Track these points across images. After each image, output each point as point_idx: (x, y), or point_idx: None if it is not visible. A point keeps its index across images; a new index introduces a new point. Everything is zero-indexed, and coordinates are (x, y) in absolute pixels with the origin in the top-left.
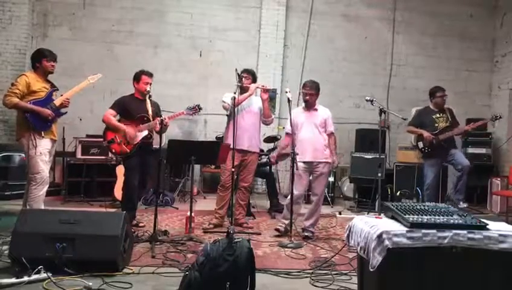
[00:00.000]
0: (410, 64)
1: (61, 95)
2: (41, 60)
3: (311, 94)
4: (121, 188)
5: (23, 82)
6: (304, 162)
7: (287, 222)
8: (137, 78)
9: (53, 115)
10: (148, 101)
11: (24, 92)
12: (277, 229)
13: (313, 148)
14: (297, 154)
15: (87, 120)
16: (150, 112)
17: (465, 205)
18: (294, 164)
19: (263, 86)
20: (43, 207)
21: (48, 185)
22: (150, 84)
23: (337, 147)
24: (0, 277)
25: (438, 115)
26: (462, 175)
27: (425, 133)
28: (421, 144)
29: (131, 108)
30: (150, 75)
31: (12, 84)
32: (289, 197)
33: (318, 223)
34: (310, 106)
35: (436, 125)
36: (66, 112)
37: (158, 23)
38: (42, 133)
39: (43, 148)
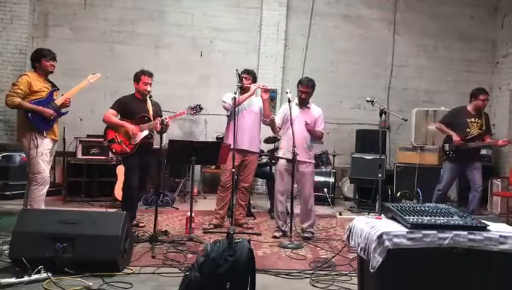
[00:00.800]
0: (410, 65)
1: (62, 95)
2: (40, 60)
3: (307, 92)
4: (121, 188)
5: (25, 82)
6: (287, 159)
7: (280, 222)
8: (137, 78)
9: (55, 115)
10: (148, 101)
11: (26, 92)
12: (274, 237)
13: (300, 147)
14: (298, 154)
15: (87, 120)
16: (151, 112)
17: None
18: (295, 164)
19: (263, 86)
20: (43, 207)
21: (48, 185)
22: (150, 84)
23: (337, 147)
24: (1, 276)
25: (473, 120)
26: (474, 197)
27: (456, 137)
28: (447, 146)
29: (131, 108)
30: (150, 75)
31: (14, 84)
32: (276, 199)
33: (318, 223)
34: (304, 104)
35: (468, 130)
36: (67, 112)
37: (159, 24)
38: (44, 133)
39: (44, 148)
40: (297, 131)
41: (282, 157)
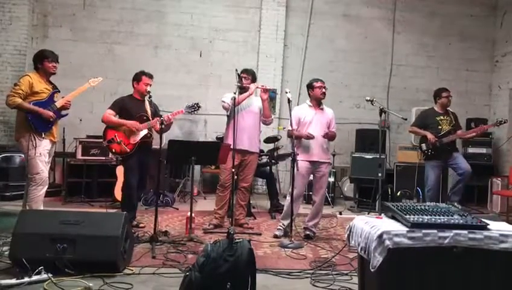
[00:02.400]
0: (410, 64)
1: (63, 97)
2: (43, 61)
3: (325, 88)
4: (121, 189)
5: (26, 82)
6: (310, 162)
7: (286, 222)
8: (137, 78)
9: (54, 117)
10: (146, 101)
11: (27, 93)
12: (275, 236)
13: (320, 148)
14: (298, 154)
15: (87, 121)
16: (149, 112)
17: (459, 207)
18: (295, 164)
19: (263, 86)
20: (42, 208)
21: (47, 186)
22: (150, 85)
23: (337, 147)
24: (1, 277)
25: (442, 117)
26: (463, 179)
27: (429, 135)
28: (424, 146)
29: (130, 108)
30: (151, 76)
31: (15, 85)
32: (288, 197)
33: (318, 223)
34: (319, 104)
35: (440, 127)
36: (67, 114)
37: (158, 24)
38: (43, 134)
39: (42, 148)
40: (314, 132)
41: (304, 160)
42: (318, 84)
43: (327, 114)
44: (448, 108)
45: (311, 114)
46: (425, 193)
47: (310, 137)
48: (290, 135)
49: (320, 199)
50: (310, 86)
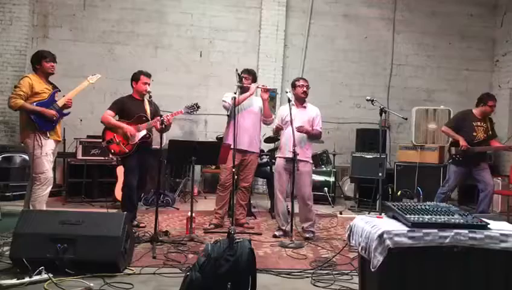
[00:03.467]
0: (410, 63)
1: (63, 96)
2: (41, 62)
3: (307, 86)
4: (121, 189)
5: (27, 84)
6: (285, 159)
7: (280, 219)
8: (136, 78)
9: (57, 115)
10: (146, 101)
11: (28, 94)
12: (274, 236)
13: (297, 146)
14: (298, 154)
15: (87, 121)
16: (148, 112)
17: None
18: (296, 164)
19: (263, 86)
20: (45, 207)
21: (51, 186)
22: (149, 84)
23: (338, 146)
24: (2, 278)
25: (479, 124)
26: (486, 197)
27: (462, 142)
28: (453, 150)
29: (129, 108)
30: (149, 75)
31: (16, 87)
32: (276, 199)
33: (319, 223)
34: (302, 102)
35: (475, 134)
36: (69, 113)
37: (158, 24)
38: (47, 133)
39: (48, 148)
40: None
41: (280, 157)
42: (299, 82)
43: (310, 112)
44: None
45: (293, 112)
46: (438, 191)
47: (278, 128)
48: (275, 131)
49: (303, 199)
50: (292, 85)
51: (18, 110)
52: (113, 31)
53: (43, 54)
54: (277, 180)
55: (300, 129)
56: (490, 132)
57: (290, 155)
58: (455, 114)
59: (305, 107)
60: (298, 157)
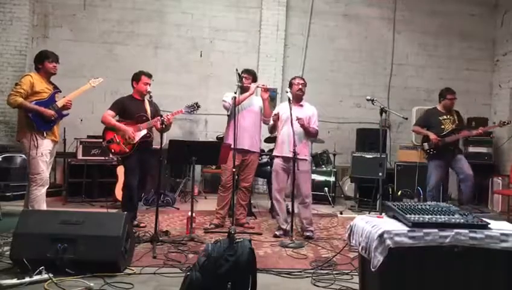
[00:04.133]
0: (410, 63)
1: (64, 97)
2: (43, 62)
3: (303, 84)
4: (121, 189)
5: (28, 82)
6: (283, 157)
7: (281, 220)
8: (136, 78)
9: (56, 115)
10: (146, 101)
11: (28, 92)
12: (275, 236)
13: (294, 144)
14: (298, 153)
15: (88, 121)
16: (149, 112)
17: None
18: (295, 164)
19: (263, 86)
20: (45, 207)
21: (47, 186)
22: (150, 84)
23: (338, 146)
24: (2, 277)
25: (445, 117)
26: (466, 186)
27: (432, 135)
28: (426, 145)
29: (130, 108)
30: (150, 76)
31: (17, 84)
32: (275, 198)
33: (319, 223)
34: (298, 100)
35: (443, 127)
36: (68, 114)
37: (158, 24)
38: (44, 133)
39: (44, 148)
40: (289, 129)
41: (278, 156)
42: (295, 80)
43: (306, 111)
44: (452, 109)
45: (289, 112)
46: (426, 192)
47: (274, 120)
48: (270, 130)
49: (302, 197)
50: (289, 84)
51: (16, 107)
52: (113, 31)
53: (46, 54)
54: (274, 179)
55: (299, 121)
56: (458, 122)
57: (289, 154)
58: (421, 113)
59: (301, 105)
60: (297, 156)
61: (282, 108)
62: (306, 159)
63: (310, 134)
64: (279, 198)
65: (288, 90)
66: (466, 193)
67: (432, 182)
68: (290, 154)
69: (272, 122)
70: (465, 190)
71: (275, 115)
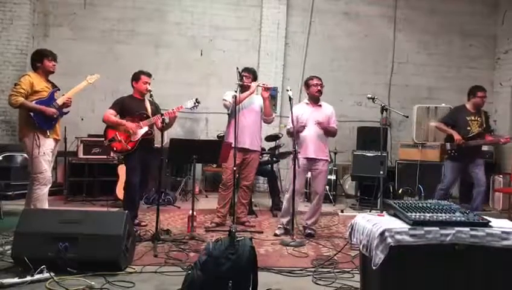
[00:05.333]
0: (411, 61)
1: (63, 95)
2: (42, 60)
3: (321, 85)
4: (122, 188)
5: (27, 82)
6: (306, 158)
7: (285, 220)
8: (136, 78)
9: (57, 114)
10: (147, 100)
11: (28, 92)
12: (275, 235)
13: (315, 145)
14: (299, 152)
15: (88, 120)
16: (149, 111)
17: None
18: (296, 162)
19: (264, 84)
20: (47, 206)
21: (50, 185)
22: (149, 84)
23: (339, 145)
24: (3, 276)
25: (472, 118)
26: (479, 195)
27: (457, 136)
28: (448, 146)
29: (130, 107)
30: (149, 75)
31: (16, 84)
32: (287, 194)
33: (320, 221)
34: (316, 101)
35: (469, 128)
36: (69, 112)
37: (159, 23)
38: (47, 132)
39: (46, 148)
40: (311, 130)
41: (301, 157)
42: (314, 81)
43: (325, 111)
44: (481, 108)
45: (308, 112)
46: (437, 189)
47: (301, 128)
48: (289, 132)
49: (318, 198)
50: (306, 84)
51: (18, 107)
52: (113, 29)
53: (45, 52)
54: (298, 179)
55: (321, 125)
56: (484, 126)
57: (312, 155)
58: (449, 110)
59: (320, 105)
60: (318, 156)
61: (299, 110)
62: (327, 160)
63: (330, 133)
64: (296, 198)
65: (289, 88)
66: (477, 200)
67: (447, 183)
68: (314, 155)
69: (288, 129)
70: (477, 197)
71: (296, 125)
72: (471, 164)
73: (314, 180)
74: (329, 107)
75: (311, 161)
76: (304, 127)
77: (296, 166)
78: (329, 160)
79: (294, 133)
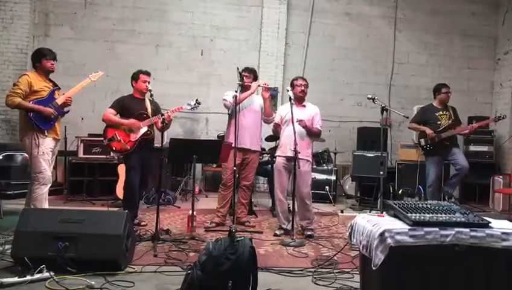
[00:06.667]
0: (411, 62)
1: (63, 94)
2: (41, 60)
3: (305, 85)
4: (122, 187)
5: (25, 82)
6: (285, 157)
7: (282, 219)
8: (135, 77)
9: (56, 114)
10: (147, 100)
11: (26, 92)
12: (275, 235)
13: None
14: (299, 152)
15: (89, 119)
16: (149, 110)
17: (452, 200)
18: (296, 163)
19: (264, 84)
20: (47, 206)
21: (50, 184)
22: (149, 82)
23: (339, 145)
24: (3, 276)
25: (441, 113)
26: (459, 174)
27: (428, 130)
28: (422, 141)
29: (130, 107)
30: (148, 74)
31: (14, 84)
32: (278, 197)
33: (320, 221)
34: (301, 101)
35: (439, 122)
36: (69, 111)
37: (159, 22)
38: (45, 132)
39: (45, 147)
40: (291, 129)
41: (280, 156)
42: (298, 82)
43: (309, 111)
44: (447, 104)
45: (293, 111)
46: (426, 189)
47: (276, 126)
48: (273, 130)
49: (302, 198)
50: (291, 84)
51: (15, 108)
52: (114, 29)
53: (43, 51)
54: (277, 178)
55: (300, 123)
56: (453, 118)
57: (291, 154)
58: (418, 110)
59: (304, 106)
60: (299, 156)
61: (284, 109)
62: (308, 160)
63: (313, 134)
64: (281, 197)
65: (289, 89)
66: (454, 180)
67: (431, 179)
68: (292, 154)
69: (273, 125)
70: (455, 178)
71: (277, 122)
72: (448, 153)
73: (297, 181)
74: (314, 107)
75: (291, 160)
76: (280, 125)
77: (297, 166)
78: (311, 161)
79: (277, 130)
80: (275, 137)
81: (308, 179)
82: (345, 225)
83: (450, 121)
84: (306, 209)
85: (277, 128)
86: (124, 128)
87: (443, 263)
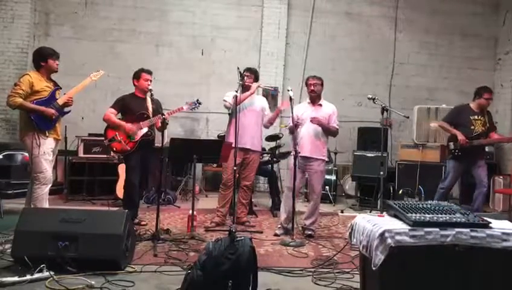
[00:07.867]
0: (412, 62)
1: (64, 94)
2: (47, 59)
3: (315, 84)
4: (122, 187)
5: (27, 82)
6: (301, 157)
7: (282, 219)
8: (137, 76)
9: (57, 114)
10: (148, 99)
11: (27, 92)
12: (275, 235)
13: (311, 144)
14: (299, 152)
15: (89, 119)
16: (150, 110)
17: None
18: (297, 161)
19: (266, 86)
20: (47, 206)
21: (50, 184)
22: (151, 81)
23: (339, 145)
24: (3, 275)
25: (476, 117)
26: (480, 193)
27: (460, 136)
28: (451, 145)
29: (131, 106)
30: (150, 73)
31: (16, 85)
32: (287, 195)
33: (320, 221)
34: (315, 100)
35: (472, 128)
36: (70, 111)
37: (160, 22)
38: (46, 132)
39: (46, 147)
40: (310, 129)
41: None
42: (309, 81)
43: (325, 110)
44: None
45: (308, 111)
46: (438, 188)
47: (298, 123)
48: (290, 130)
49: (315, 198)
50: (306, 83)
51: (16, 108)
52: (114, 29)
53: (49, 51)
54: (290, 177)
55: (313, 121)
56: (488, 125)
57: (306, 154)
58: (452, 108)
59: (320, 105)
60: (314, 155)
61: (300, 109)
62: (323, 159)
63: (330, 133)
64: (290, 195)
65: (290, 88)
66: (478, 200)
67: (448, 182)
68: (309, 154)
69: (289, 127)
70: (478, 197)
71: (295, 121)
72: (473, 164)
73: (310, 180)
74: (330, 106)
75: (306, 160)
76: (299, 123)
77: (297, 166)
78: (327, 160)
79: (294, 129)
80: (275, 137)
81: (323, 178)
82: (345, 225)
83: (484, 128)
84: (315, 208)
85: (296, 128)
86: (123, 129)
87: (443, 263)
